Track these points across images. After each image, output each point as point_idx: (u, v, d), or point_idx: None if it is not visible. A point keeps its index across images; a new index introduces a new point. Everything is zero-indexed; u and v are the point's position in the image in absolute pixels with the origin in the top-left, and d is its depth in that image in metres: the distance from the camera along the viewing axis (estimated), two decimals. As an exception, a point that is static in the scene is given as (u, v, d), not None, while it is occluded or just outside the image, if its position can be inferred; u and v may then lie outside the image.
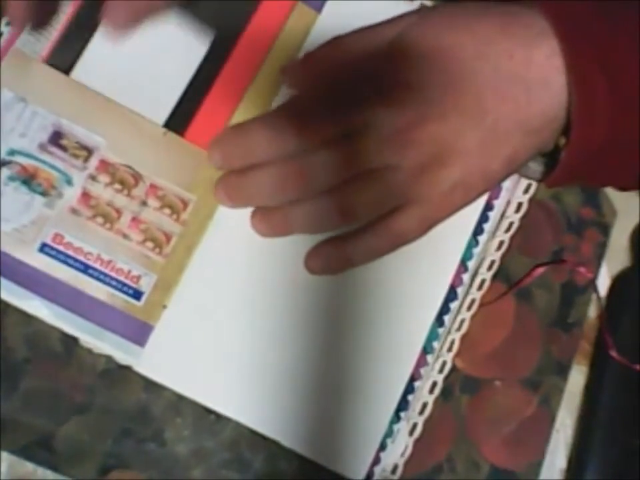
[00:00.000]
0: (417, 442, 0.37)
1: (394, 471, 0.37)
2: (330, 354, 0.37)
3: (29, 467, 0.36)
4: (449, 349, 0.38)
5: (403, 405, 0.37)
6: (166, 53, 0.38)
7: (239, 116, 0.38)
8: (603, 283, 0.41)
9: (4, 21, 0.38)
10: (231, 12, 0.38)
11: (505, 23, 0.34)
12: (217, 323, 0.37)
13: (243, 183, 0.36)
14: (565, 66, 0.33)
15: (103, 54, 0.37)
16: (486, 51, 0.34)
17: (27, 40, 0.37)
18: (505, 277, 0.39)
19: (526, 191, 0.40)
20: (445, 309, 0.38)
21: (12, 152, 0.36)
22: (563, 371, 0.39)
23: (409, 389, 0.37)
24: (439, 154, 0.34)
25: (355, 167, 0.35)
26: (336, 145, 0.35)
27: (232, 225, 0.37)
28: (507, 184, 0.39)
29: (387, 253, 0.36)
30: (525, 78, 0.33)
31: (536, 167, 0.37)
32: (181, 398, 0.37)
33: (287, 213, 0.36)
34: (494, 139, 0.34)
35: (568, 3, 0.34)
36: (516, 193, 0.40)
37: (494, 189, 0.39)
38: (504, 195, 0.39)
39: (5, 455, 0.36)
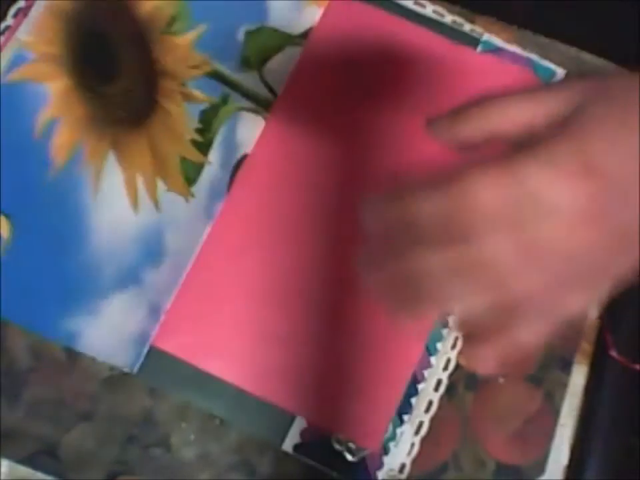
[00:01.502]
0: (423, 440, 0.37)
1: (402, 470, 0.37)
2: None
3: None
4: (453, 346, 0.38)
5: (406, 407, 0.37)
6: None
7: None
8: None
9: (4, 23, 0.38)
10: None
11: None
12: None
13: None
14: None
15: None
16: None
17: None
18: (506, 274, 0.39)
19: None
20: (448, 309, 0.38)
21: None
22: (566, 366, 0.39)
23: (412, 391, 0.37)
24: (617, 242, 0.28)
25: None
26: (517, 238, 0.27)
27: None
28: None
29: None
30: None
31: None
32: (185, 403, 0.37)
33: None
34: None
35: None
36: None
37: None
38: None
39: (5, 455, 0.36)
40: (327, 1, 0.40)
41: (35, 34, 0.36)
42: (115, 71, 0.36)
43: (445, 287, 0.27)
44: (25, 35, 0.36)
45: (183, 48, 0.38)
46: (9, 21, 0.38)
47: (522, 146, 0.28)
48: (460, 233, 0.27)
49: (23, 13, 0.38)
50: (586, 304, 0.30)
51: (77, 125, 0.36)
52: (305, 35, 0.39)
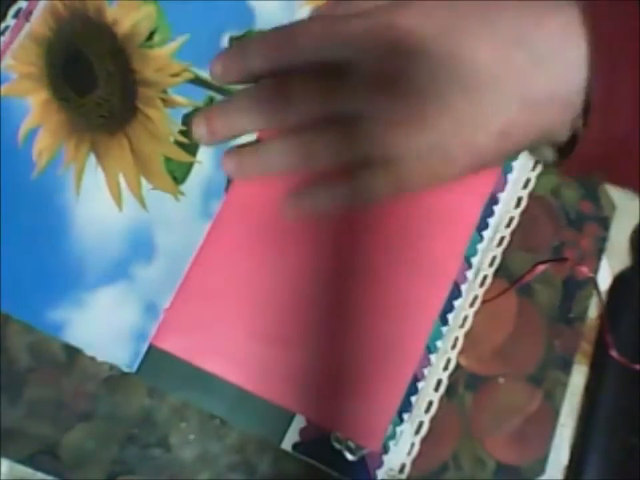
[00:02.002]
0: (423, 440, 0.37)
1: (402, 470, 0.37)
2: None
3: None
4: (453, 346, 0.38)
5: (406, 406, 0.37)
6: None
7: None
8: (604, 278, 0.40)
9: (4, 23, 0.38)
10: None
11: (521, 3, 0.31)
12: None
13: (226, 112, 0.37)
14: (585, 39, 0.30)
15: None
16: (493, 15, 0.31)
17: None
18: (506, 273, 0.39)
19: (525, 185, 0.40)
20: (448, 307, 0.38)
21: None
22: (566, 366, 0.39)
23: (412, 389, 0.37)
24: (418, 112, 0.32)
25: (328, 106, 0.34)
26: (314, 81, 0.34)
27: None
28: (513, 176, 0.39)
29: (353, 206, 0.36)
30: (532, 45, 0.31)
31: (548, 153, 0.36)
32: (185, 403, 0.37)
33: (257, 149, 0.36)
34: (483, 102, 0.32)
35: None
36: (515, 187, 0.40)
37: (487, 168, 0.36)
38: (509, 189, 0.39)
39: (5, 455, 0.36)
40: (324, 1, 0.39)
41: (16, 57, 0.38)
42: (92, 83, 0.38)
43: None
44: (8, 59, 0.38)
45: (162, 59, 0.39)
46: (9, 21, 0.38)
47: None
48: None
49: (25, 16, 0.38)
50: None
51: (57, 131, 0.38)
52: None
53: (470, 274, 0.38)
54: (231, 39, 0.39)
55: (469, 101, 0.32)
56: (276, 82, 0.35)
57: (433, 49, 0.32)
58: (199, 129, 0.37)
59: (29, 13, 0.38)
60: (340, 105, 0.34)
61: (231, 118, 0.36)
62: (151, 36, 0.39)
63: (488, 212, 0.39)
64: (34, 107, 0.38)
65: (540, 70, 0.31)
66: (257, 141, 0.37)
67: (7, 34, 0.38)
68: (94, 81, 0.38)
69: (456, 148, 0.33)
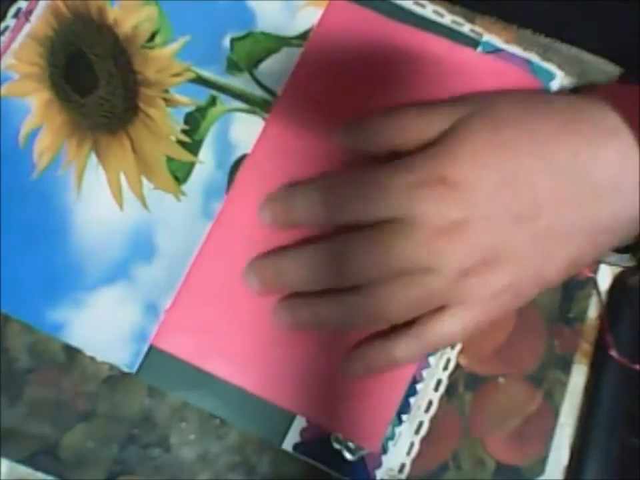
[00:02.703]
0: (423, 440, 0.37)
1: (401, 470, 0.37)
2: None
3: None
4: (452, 347, 0.38)
5: (404, 407, 0.37)
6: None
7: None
8: (604, 278, 0.40)
9: (4, 23, 0.38)
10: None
11: (570, 118, 0.32)
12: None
13: (274, 265, 0.36)
14: None
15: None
16: (546, 148, 0.31)
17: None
18: (506, 273, 0.39)
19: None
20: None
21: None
22: (566, 366, 0.39)
23: (411, 391, 0.37)
24: (485, 259, 0.32)
25: (390, 265, 0.33)
26: (370, 235, 0.33)
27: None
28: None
29: (430, 353, 0.36)
30: (591, 178, 0.31)
31: (619, 260, 0.37)
32: (185, 403, 0.37)
33: (314, 307, 0.35)
34: (549, 242, 0.32)
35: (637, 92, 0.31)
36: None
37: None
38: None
39: (5, 455, 0.36)
40: (327, 2, 0.40)
41: (18, 57, 0.39)
42: (94, 84, 0.38)
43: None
44: (10, 59, 0.39)
45: (164, 59, 0.39)
46: (9, 21, 0.38)
47: None
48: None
49: (25, 16, 0.38)
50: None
51: (58, 131, 0.38)
52: (304, 35, 0.39)
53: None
54: (232, 40, 0.39)
55: (535, 242, 0.32)
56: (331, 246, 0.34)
57: (493, 195, 0.32)
58: (249, 279, 0.36)
59: (28, 13, 0.38)
60: (404, 262, 0.33)
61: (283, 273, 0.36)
62: (152, 37, 0.39)
63: None
64: (35, 106, 0.38)
65: (601, 203, 0.31)
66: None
67: (7, 34, 0.38)
68: (95, 81, 0.38)
69: (527, 286, 0.34)
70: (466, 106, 0.34)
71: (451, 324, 0.34)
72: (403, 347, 0.34)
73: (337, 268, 0.33)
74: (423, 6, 0.40)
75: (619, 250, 0.36)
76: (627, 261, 0.36)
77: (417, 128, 0.34)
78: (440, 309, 0.34)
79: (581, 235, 0.32)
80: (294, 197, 0.35)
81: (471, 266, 0.32)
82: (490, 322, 0.35)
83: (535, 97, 0.34)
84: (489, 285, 0.33)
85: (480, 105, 0.34)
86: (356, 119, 0.36)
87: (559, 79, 0.39)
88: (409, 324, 0.34)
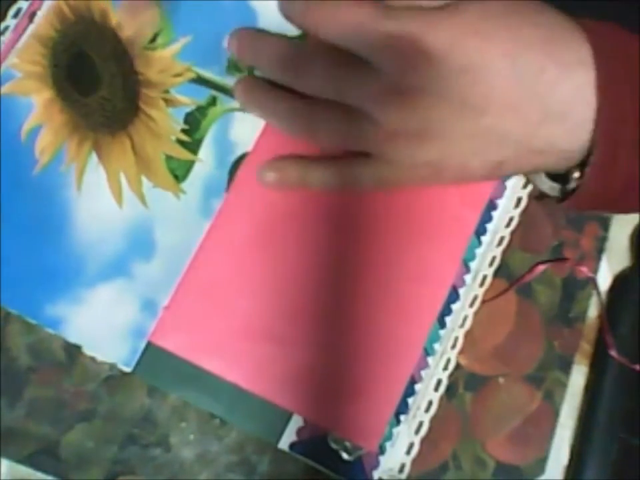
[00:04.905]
0: (423, 440, 0.37)
1: (401, 470, 0.37)
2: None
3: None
4: (453, 346, 0.38)
5: (403, 407, 0.37)
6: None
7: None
8: (604, 278, 0.40)
9: (4, 23, 0.38)
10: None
11: (550, 36, 0.32)
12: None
13: (254, 43, 0.37)
14: (595, 104, 0.31)
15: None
16: (518, 53, 0.32)
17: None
18: (506, 273, 0.39)
19: (525, 185, 0.40)
20: (446, 311, 0.38)
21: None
22: (566, 366, 0.39)
23: (410, 391, 0.37)
24: (423, 129, 0.33)
25: (340, 95, 0.35)
26: (333, 68, 0.35)
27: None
28: (511, 182, 0.39)
29: (337, 190, 0.37)
30: (545, 99, 0.32)
31: (550, 186, 0.37)
32: (185, 403, 0.37)
33: (267, 95, 0.37)
34: (485, 140, 0.33)
35: (620, 38, 0.32)
36: (514, 187, 0.40)
37: (473, 182, 0.37)
38: (508, 194, 0.39)
39: (5, 455, 0.36)
40: None
41: (21, 56, 0.39)
42: (96, 84, 0.39)
43: None
44: (13, 58, 0.39)
45: (165, 60, 0.39)
46: (9, 21, 0.39)
47: None
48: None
49: (28, 18, 0.39)
50: None
51: (59, 130, 0.38)
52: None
53: (468, 278, 0.38)
54: None
55: (474, 129, 0.33)
56: (297, 53, 0.36)
57: (454, 75, 0.33)
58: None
59: (32, 14, 0.39)
60: (350, 99, 0.35)
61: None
62: (154, 38, 0.39)
63: (486, 217, 0.39)
64: (37, 105, 0.38)
65: (548, 124, 0.32)
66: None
67: (8, 34, 0.39)
68: (97, 81, 0.39)
69: (449, 168, 0.35)
70: (434, 14, 0.34)
71: (367, 171, 0.36)
72: (319, 173, 0.37)
73: (300, 70, 0.36)
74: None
75: (554, 178, 0.36)
76: (556, 192, 0.36)
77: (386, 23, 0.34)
78: (365, 154, 0.35)
79: (514, 144, 0.33)
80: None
81: (405, 129, 0.33)
82: (402, 186, 0.37)
83: (529, 3, 0.34)
84: (415, 154, 0.34)
85: (447, 13, 0.34)
86: None
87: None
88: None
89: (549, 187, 0.36)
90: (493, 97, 0.33)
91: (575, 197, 0.34)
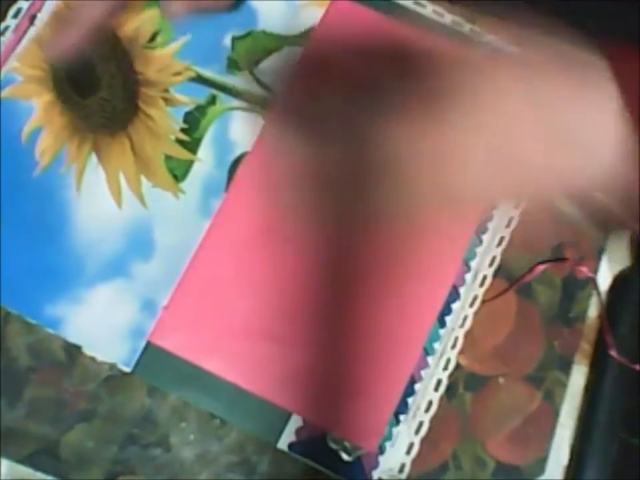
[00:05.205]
0: (423, 440, 0.37)
1: (401, 469, 0.37)
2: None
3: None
4: (453, 346, 0.38)
5: (402, 407, 0.37)
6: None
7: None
8: (604, 278, 0.40)
9: (4, 23, 0.38)
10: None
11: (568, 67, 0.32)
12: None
13: None
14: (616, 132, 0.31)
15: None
16: (535, 80, 0.31)
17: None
18: (506, 274, 0.39)
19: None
20: (446, 310, 0.38)
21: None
22: (566, 366, 0.39)
23: (409, 391, 0.37)
24: (441, 154, 0.32)
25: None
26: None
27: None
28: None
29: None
30: (564, 125, 0.31)
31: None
32: (185, 403, 0.37)
33: None
34: (504, 165, 0.32)
35: None
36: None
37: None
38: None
39: (5, 455, 0.36)
40: (328, 1, 0.40)
41: (21, 60, 0.39)
42: (95, 85, 0.39)
43: None
44: (13, 62, 0.39)
45: (164, 58, 0.39)
46: (9, 21, 0.39)
47: None
48: None
49: (29, 20, 0.39)
50: None
51: (60, 132, 0.39)
52: (305, 34, 0.39)
53: (469, 277, 0.38)
54: (233, 39, 0.39)
55: (492, 155, 0.32)
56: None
57: (468, 97, 0.32)
58: None
59: (32, 16, 0.39)
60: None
61: None
62: (153, 37, 0.39)
63: (488, 216, 0.39)
64: (38, 108, 0.39)
65: (566, 151, 0.32)
66: None
67: (9, 35, 0.39)
68: (97, 82, 0.39)
69: (468, 194, 0.33)
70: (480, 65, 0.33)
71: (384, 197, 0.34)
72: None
73: None
74: (423, 6, 0.40)
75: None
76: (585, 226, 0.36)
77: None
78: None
79: (533, 170, 0.32)
80: None
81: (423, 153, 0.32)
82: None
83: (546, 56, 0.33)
84: (433, 178, 0.32)
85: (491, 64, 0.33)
86: None
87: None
88: None
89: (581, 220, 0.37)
90: (509, 123, 0.32)
91: None
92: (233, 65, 0.39)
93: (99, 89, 0.39)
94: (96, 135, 0.38)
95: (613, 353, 0.39)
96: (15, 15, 0.39)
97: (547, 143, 0.32)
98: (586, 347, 0.40)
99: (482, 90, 0.32)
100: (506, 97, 0.32)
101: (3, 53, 0.39)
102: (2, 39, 0.39)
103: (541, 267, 0.39)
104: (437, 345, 0.37)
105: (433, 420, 0.37)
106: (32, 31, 0.39)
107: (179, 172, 0.38)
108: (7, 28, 0.39)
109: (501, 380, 0.39)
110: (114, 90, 0.39)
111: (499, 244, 0.39)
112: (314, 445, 0.36)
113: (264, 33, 0.40)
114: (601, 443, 0.38)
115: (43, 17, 0.39)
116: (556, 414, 0.39)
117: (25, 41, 0.39)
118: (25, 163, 0.38)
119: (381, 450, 0.37)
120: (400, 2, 0.40)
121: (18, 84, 0.39)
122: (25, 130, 0.38)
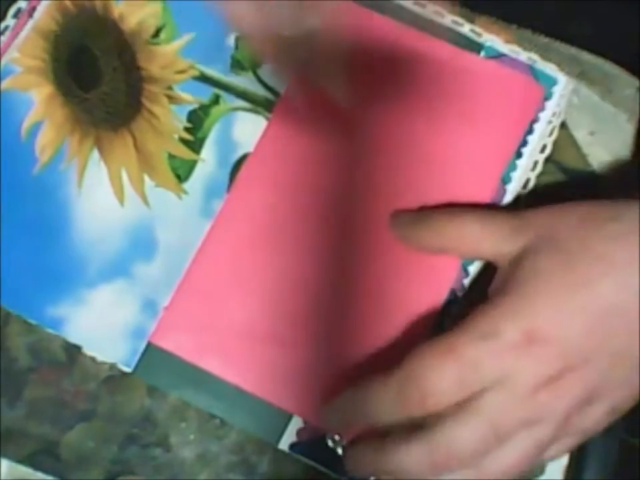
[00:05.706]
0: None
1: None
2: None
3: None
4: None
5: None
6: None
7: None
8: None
9: (4, 23, 0.38)
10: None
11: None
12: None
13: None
14: None
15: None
16: (624, 276, 0.30)
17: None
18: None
19: (525, 185, 0.39)
20: (446, 313, 0.38)
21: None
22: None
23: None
24: (588, 399, 0.31)
25: (491, 432, 0.30)
26: (465, 411, 0.30)
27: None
28: (511, 186, 0.38)
29: None
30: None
31: None
32: (185, 403, 0.37)
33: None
34: (634, 372, 0.31)
35: None
36: (514, 191, 0.39)
37: None
38: (507, 199, 0.39)
39: (5, 455, 0.36)
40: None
41: (21, 51, 0.39)
42: (97, 79, 0.39)
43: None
44: (13, 53, 0.39)
45: (168, 55, 0.39)
46: (9, 21, 0.38)
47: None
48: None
49: (28, 13, 0.38)
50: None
51: (61, 126, 0.38)
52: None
53: (466, 282, 0.38)
54: (237, 39, 0.39)
55: (628, 375, 0.31)
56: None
57: (586, 339, 0.31)
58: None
59: (32, 9, 0.38)
60: (506, 423, 0.31)
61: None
62: (157, 33, 0.39)
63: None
64: (38, 100, 0.38)
65: None
66: None
67: (7, 33, 0.38)
68: (99, 76, 0.38)
69: (625, 405, 0.33)
70: (528, 232, 0.32)
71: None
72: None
73: (453, 454, 0.31)
74: (423, 6, 0.40)
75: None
76: None
77: (475, 242, 0.34)
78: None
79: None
80: (366, 398, 0.33)
81: (572, 410, 0.31)
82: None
83: (598, 211, 0.32)
84: (588, 420, 0.31)
85: (541, 234, 0.32)
86: (412, 213, 0.36)
87: (562, 84, 0.39)
88: None
89: None
90: (632, 329, 0.30)
91: None
92: (236, 65, 0.39)
93: (101, 82, 0.38)
94: (98, 129, 0.38)
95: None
96: (15, 15, 0.39)
97: None
98: (586, 347, 0.40)
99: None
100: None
101: (2, 46, 0.38)
102: (2, 38, 0.38)
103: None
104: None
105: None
106: (31, 22, 0.39)
107: (182, 172, 0.38)
108: (7, 27, 0.39)
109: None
110: (116, 84, 0.38)
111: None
112: (315, 445, 0.36)
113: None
114: (601, 443, 0.38)
115: (42, 7, 0.39)
116: (556, 414, 0.39)
117: (25, 31, 0.38)
118: (24, 160, 0.38)
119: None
120: (400, 2, 0.40)
121: (17, 75, 0.39)
122: (25, 124, 0.38)
